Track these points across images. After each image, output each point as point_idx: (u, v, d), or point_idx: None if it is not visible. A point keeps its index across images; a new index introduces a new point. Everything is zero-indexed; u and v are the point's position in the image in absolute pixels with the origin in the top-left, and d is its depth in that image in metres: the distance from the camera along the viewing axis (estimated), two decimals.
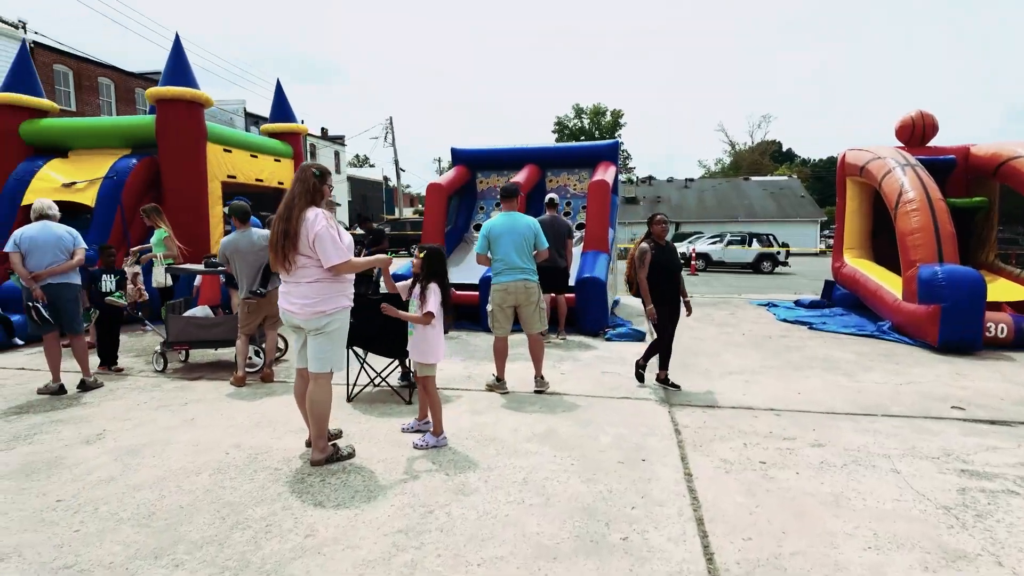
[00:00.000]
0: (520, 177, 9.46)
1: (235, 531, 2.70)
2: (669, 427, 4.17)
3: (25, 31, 25.99)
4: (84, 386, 5.07)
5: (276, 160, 11.05)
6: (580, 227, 9.66)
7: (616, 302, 10.26)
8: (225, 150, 9.64)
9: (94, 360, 5.76)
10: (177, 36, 9.01)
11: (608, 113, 61.07)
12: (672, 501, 3.02)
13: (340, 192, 48.33)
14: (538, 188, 9.97)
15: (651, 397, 4.93)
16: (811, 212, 39.42)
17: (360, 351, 5.01)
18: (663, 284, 5.04)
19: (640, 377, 5.36)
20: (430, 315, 3.75)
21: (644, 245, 5.08)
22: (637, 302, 11.60)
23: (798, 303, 10.46)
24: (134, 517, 2.84)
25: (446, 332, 4.88)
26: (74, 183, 8.67)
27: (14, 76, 9.34)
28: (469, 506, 2.95)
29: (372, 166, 64.00)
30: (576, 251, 8.72)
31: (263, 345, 5.69)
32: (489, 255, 5.08)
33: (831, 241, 41.84)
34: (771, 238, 23.66)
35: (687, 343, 6.95)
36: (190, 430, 4.12)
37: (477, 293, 7.96)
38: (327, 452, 3.52)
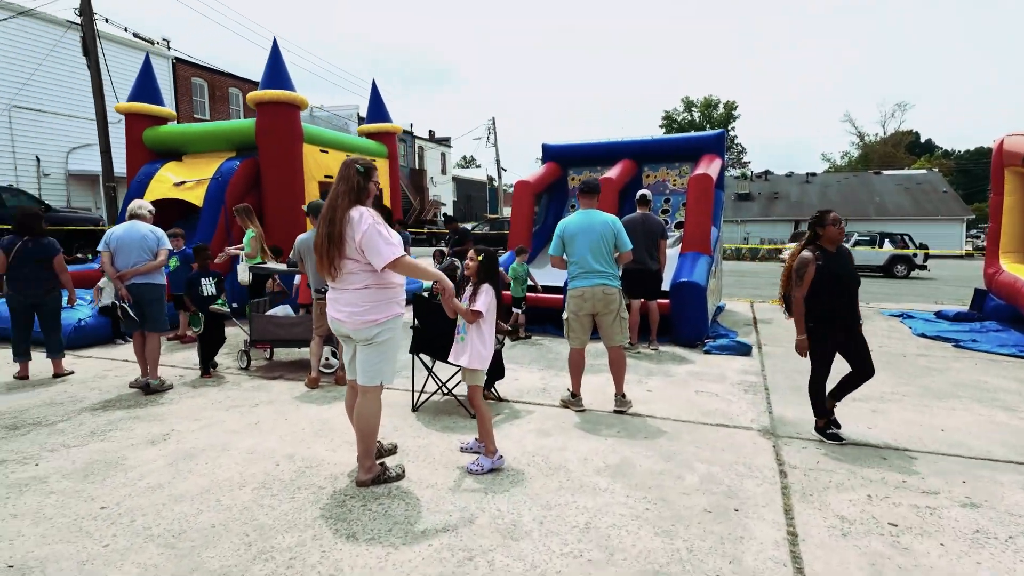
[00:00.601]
0: (613, 172, 8.85)
1: (256, 563, 2.45)
2: (772, 467, 3.49)
3: (169, 48, 28.84)
4: (149, 388, 5.10)
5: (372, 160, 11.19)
6: (680, 226, 8.90)
7: (720, 309, 9.38)
8: (322, 151, 9.86)
9: (165, 358, 5.94)
10: (275, 41, 9.30)
11: (720, 105, 58.00)
12: (769, 573, 2.41)
13: (446, 192, 49.59)
14: (635, 184, 9.30)
15: (752, 426, 4.23)
16: (955, 209, 35.00)
17: (427, 358, 4.72)
18: (835, 300, 3.80)
19: (829, 433, 3.94)
20: (478, 313, 3.38)
21: (806, 254, 3.86)
22: (745, 309, 10.70)
23: (940, 315, 9.00)
24: (164, 535, 2.68)
25: (500, 344, 4.44)
26: (183, 182, 9.20)
27: (139, 87, 10.10)
28: (516, 555, 2.52)
29: (478, 166, 65.20)
30: (674, 252, 8.00)
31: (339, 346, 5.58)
32: (565, 257, 4.61)
33: (980, 242, 36.95)
34: (906, 238, 21.06)
35: (799, 359, 6.07)
36: (251, 435, 4.01)
37: (563, 297, 7.49)
38: (374, 472, 3.23)
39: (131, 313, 5.01)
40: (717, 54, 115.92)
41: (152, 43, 19.01)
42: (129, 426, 4.19)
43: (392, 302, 3.16)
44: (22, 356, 5.48)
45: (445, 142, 51.05)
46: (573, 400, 4.57)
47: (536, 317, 7.75)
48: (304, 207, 5.32)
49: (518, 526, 2.76)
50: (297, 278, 7.56)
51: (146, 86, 10.12)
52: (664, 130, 57.84)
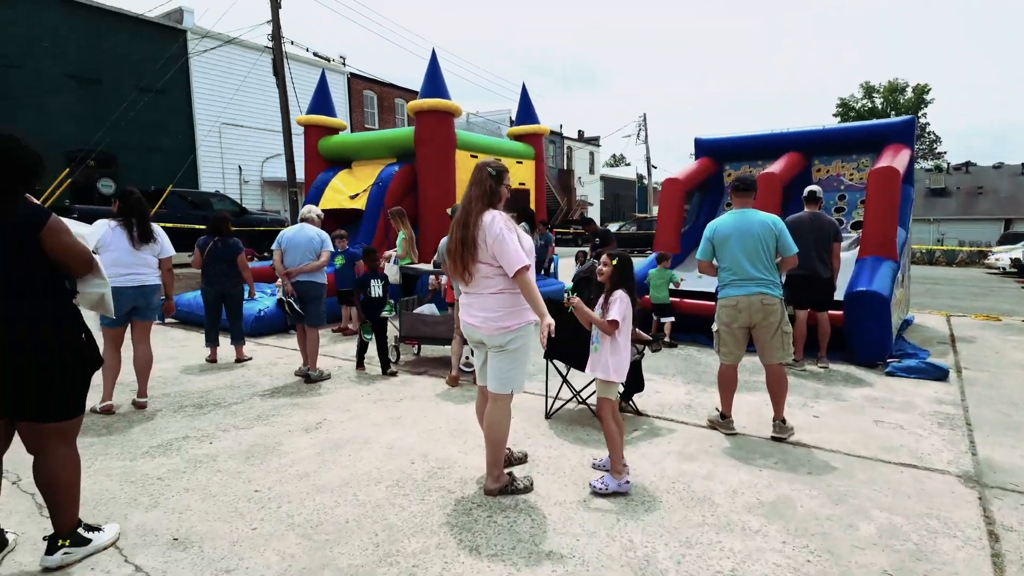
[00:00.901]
0: (776, 167, 8.02)
1: (381, 566, 2.46)
2: (978, 525, 2.83)
3: (345, 64, 31.82)
4: (309, 378, 5.51)
5: (518, 162, 11.31)
6: (857, 226, 7.84)
7: (907, 323, 8.12)
8: (472, 155, 10.14)
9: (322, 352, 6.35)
10: (433, 52, 9.73)
11: (908, 89, 51.04)
12: None
13: (593, 192, 49.23)
14: (802, 180, 8.36)
15: (949, 469, 3.50)
16: None
17: (562, 364, 4.56)
18: None
19: None
20: (615, 324, 3.14)
21: None
22: (939, 323, 9.18)
23: None
24: (303, 524, 2.80)
25: (639, 354, 4.14)
26: (357, 194, 9.96)
27: (316, 101, 11.15)
28: None
29: (627, 165, 63.97)
30: (849, 256, 7.05)
31: None
32: (715, 262, 4.18)
33: None
34: None
35: (1013, 388, 4.99)
36: (392, 430, 4.14)
37: (714, 303, 6.93)
38: (502, 482, 3.14)
39: (295, 307, 5.46)
40: (905, 33, 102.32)
41: (329, 60, 21.03)
42: (289, 412, 4.54)
43: (526, 308, 3.04)
44: (212, 342, 6.25)
45: (594, 141, 50.71)
46: (722, 421, 4.14)
47: (684, 324, 7.26)
48: (448, 210, 5.41)
49: (652, 563, 2.49)
50: (444, 278, 7.84)
51: (322, 100, 11.15)
52: (839, 119, 52.21)
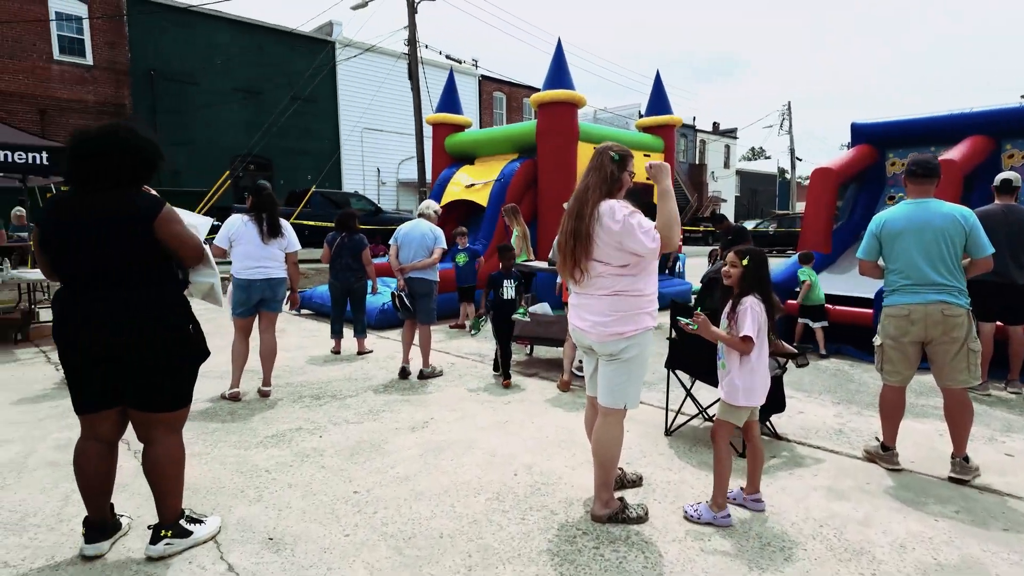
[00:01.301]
0: (955, 152, 6.79)
1: None
2: None
3: (476, 67, 32.62)
4: (422, 375, 5.47)
5: (646, 155, 10.72)
6: None
7: None
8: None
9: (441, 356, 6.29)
10: (559, 42, 9.46)
11: None
12: None
13: (727, 187, 46.43)
14: (990, 168, 7.02)
15: None
16: None
17: (686, 376, 4.08)
18: None
19: None
20: (748, 340, 2.65)
21: None
22: None
23: None
24: (397, 535, 2.65)
25: (781, 369, 3.58)
26: (473, 184, 10.00)
27: (444, 100, 11.34)
28: None
29: (767, 158, 59.69)
30: None
31: None
32: (880, 263, 3.48)
33: None
34: None
35: None
36: (497, 434, 3.93)
37: (871, 311, 5.99)
38: (612, 508, 2.78)
39: (406, 303, 5.45)
40: None
41: (460, 62, 21.58)
42: (398, 408, 4.50)
43: (643, 313, 2.66)
44: (336, 334, 6.47)
45: (730, 134, 47.79)
46: (883, 453, 3.45)
47: (831, 334, 6.37)
48: (565, 204, 5.11)
49: None
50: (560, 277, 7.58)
51: (449, 98, 11.33)
52: None
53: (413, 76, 17.52)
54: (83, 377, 2.34)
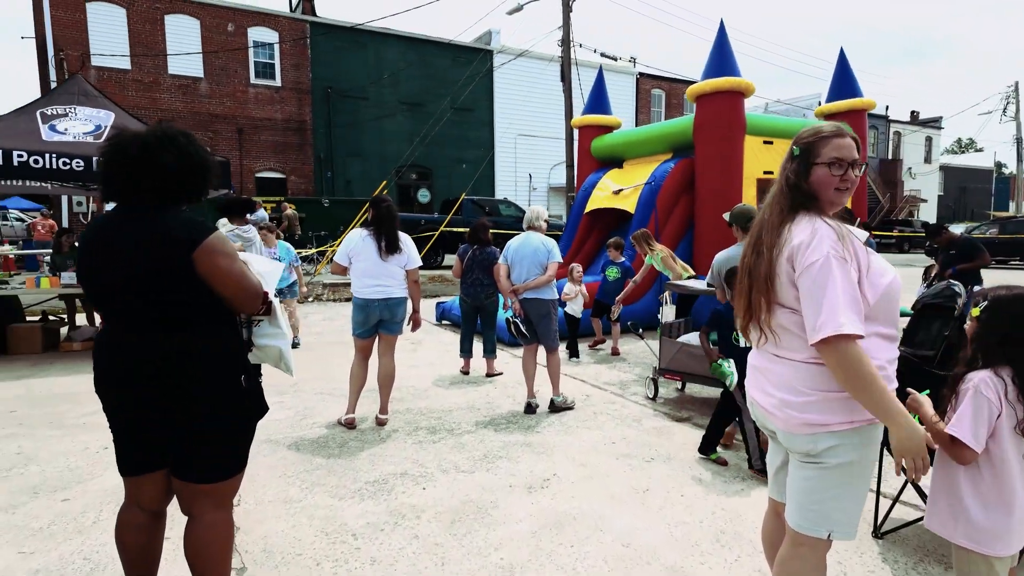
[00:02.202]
0: None
1: None
2: None
3: (635, 64, 31.40)
4: (553, 406, 4.80)
5: None
6: None
7: None
8: (765, 142, 8.39)
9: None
10: (721, 24, 8.25)
11: None
12: None
13: (928, 185, 39.99)
14: None
15: None
16: None
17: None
18: None
19: None
20: (958, 446, 1.64)
21: None
22: None
23: None
24: None
25: None
26: (621, 189, 9.13)
27: (592, 100, 10.60)
28: None
29: (978, 150, 50.63)
30: None
31: None
32: None
33: None
34: None
35: None
36: (633, 510, 3.11)
37: None
38: None
39: (522, 329, 4.78)
40: None
41: (616, 59, 20.66)
42: (517, 455, 3.85)
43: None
44: (466, 353, 6.02)
45: (933, 123, 41.12)
46: None
47: None
48: (726, 216, 4.12)
49: None
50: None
51: (598, 98, 10.56)
52: None
53: (566, 77, 16.98)
54: (123, 433, 1.97)
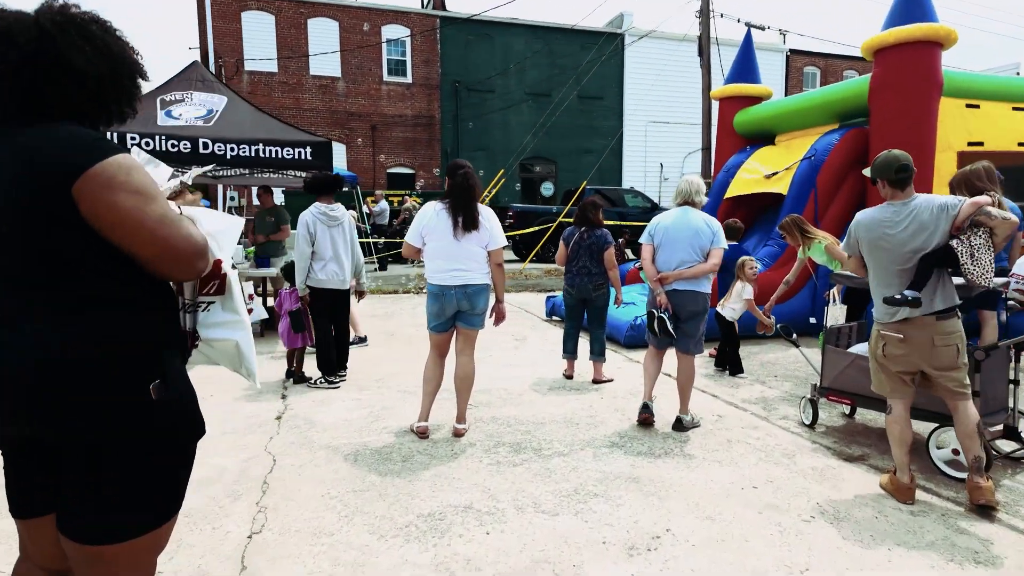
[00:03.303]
0: None
1: None
2: None
3: (784, 41, 28.38)
4: (679, 424, 3.80)
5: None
6: None
7: None
8: (968, 105, 6.57)
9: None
10: None
11: None
12: None
13: None
14: None
15: None
16: None
17: None
18: None
19: None
20: None
21: None
22: None
23: None
24: None
25: None
26: (775, 173, 7.69)
27: (736, 68, 9.15)
28: None
29: None
30: None
31: (980, 430, 2.91)
32: None
33: None
34: None
35: None
36: None
37: None
38: None
39: (668, 326, 3.79)
40: None
41: (763, 28, 18.45)
42: (619, 494, 2.92)
43: None
44: (569, 354, 5.14)
45: None
46: None
47: None
48: (866, 171, 2.92)
49: None
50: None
51: (744, 65, 9.09)
52: None
53: (704, 51, 15.37)
54: (5, 456, 1.37)
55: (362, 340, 6.20)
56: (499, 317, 3.73)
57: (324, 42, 21.27)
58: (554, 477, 3.10)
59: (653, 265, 3.91)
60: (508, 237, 16.72)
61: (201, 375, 4.74)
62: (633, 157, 25.68)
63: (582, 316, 5.13)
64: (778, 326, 4.36)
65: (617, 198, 17.01)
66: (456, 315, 3.62)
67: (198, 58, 20.39)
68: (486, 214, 3.56)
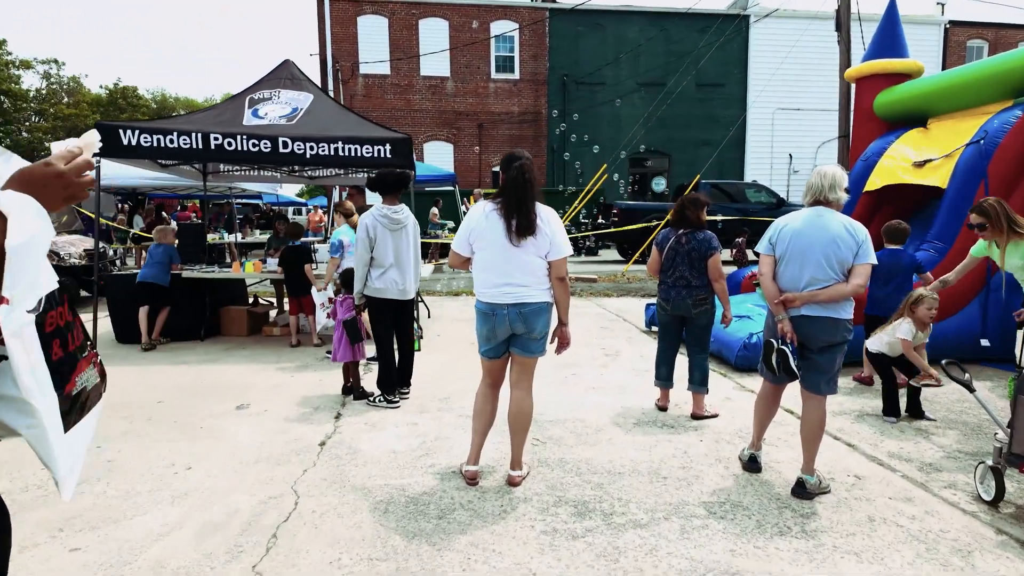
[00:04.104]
0: None
1: None
2: None
3: (943, 12, 24.78)
4: (803, 490, 2.91)
5: None
6: None
7: None
8: None
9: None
10: None
11: None
12: None
13: None
14: None
15: None
16: None
17: None
18: None
19: None
20: None
21: None
22: None
23: None
24: None
25: None
26: (928, 160, 6.29)
27: (876, 43, 7.65)
28: None
29: None
30: None
31: None
32: None
33: None
34: None
35: None
36: None
37: None
38: None
39: (790, 362, 2.91)
40: None
41: None
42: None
43: None
44: (663, 381, 4.32)
45: None
46: None
47: None
48: None
49: None
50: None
51: (886, 38, 7.57)
52: None
53: (843, 25, 13.48)
54: None
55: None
56: (562, 343, 3.04)
57: (434, 42, 21.45)
58: (622, 563, 2.37)
59: (774, 283, 3.03)
60: (612, 235, 15.85)
61: (269, 382, 4.33)
62: (757, 148, 23.62)
63: (679, 336, 4.30)
64: (943, 363, 3.26)
65: (737, 193, 15.52)
66: (510, 338, 2.99)
67: (318, 64, 21.38)
68: (546, 216, 2.89)
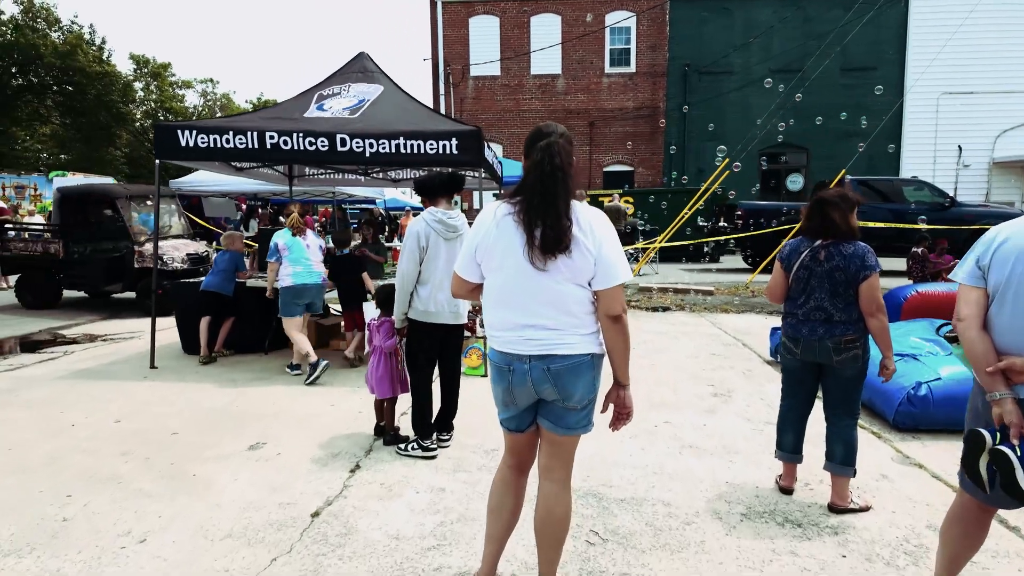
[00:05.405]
0: None
1: None
2: None
3: None
4: None
5: None
6: None
7: None
8: None
9: None
10: None
11: None
12: None
13: None
14: None
15: None
16: None
17: None
18: None
19: None
20: None
21: None
22: None
23: None
24: None
25: None
26: None
27: None
28: None
29: None
30: None
31: None
32: None
33: None
34: None
35: None
36: None
37: None
38: None
39: (1018, 474, 1.65)
40: None
41: None
42: None
43: None
44: (788, 452, 3.07)
45: None
46: None
47: None
48: None
49: None
50: None
51: None
52: None
53: None
54: None
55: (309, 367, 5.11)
56: (619, 414, 1.98)
57: (546, 39, 20.67)
58: None
59: (986, 335, 1.78)
60: (737, 240, 13.99)
61: (305, 410, 3.48)
62: (918, 139, 20.31)
63: (814, 390, 3.03)
64: None
65: (892, 192, 13.14)
66: (537, 404, 2.00)
67: (430, 68, 21.41)
68: (589, 223, 1.85)
